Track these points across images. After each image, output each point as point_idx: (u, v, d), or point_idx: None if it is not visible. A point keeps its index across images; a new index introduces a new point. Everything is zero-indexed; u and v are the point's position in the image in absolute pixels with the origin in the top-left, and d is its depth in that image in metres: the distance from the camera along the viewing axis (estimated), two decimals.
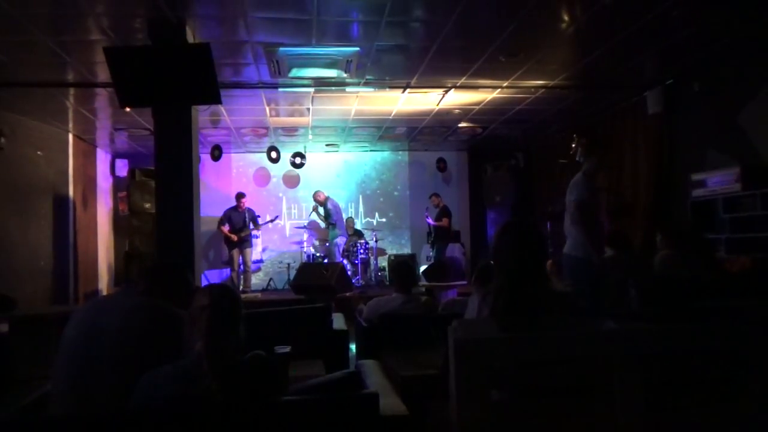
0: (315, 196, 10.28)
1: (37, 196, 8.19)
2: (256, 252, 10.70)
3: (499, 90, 7.22)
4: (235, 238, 9.50)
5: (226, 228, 9.61)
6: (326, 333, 4.26)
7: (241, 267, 9.69)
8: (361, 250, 10.32)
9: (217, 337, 1.90)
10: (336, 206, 10.30)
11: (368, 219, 11.54)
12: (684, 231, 5.00)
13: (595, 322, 2.16)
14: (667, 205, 7.13)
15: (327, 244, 10.64)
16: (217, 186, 10.88)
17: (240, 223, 9.63)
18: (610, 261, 4.89)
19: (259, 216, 10.05)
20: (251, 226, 9.78)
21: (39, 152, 8.19)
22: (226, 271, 10.26)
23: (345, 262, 9.65)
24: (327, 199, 10.26)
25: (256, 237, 10.75)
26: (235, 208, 9.74)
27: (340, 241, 10.13)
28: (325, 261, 9.96)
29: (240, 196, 9.83)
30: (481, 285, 3.63)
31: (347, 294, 8.26)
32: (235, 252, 9.61)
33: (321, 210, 10.30)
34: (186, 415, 1.78)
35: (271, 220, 10.36)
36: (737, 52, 5.86)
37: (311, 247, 10.70)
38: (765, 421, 1.92)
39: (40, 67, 5.92)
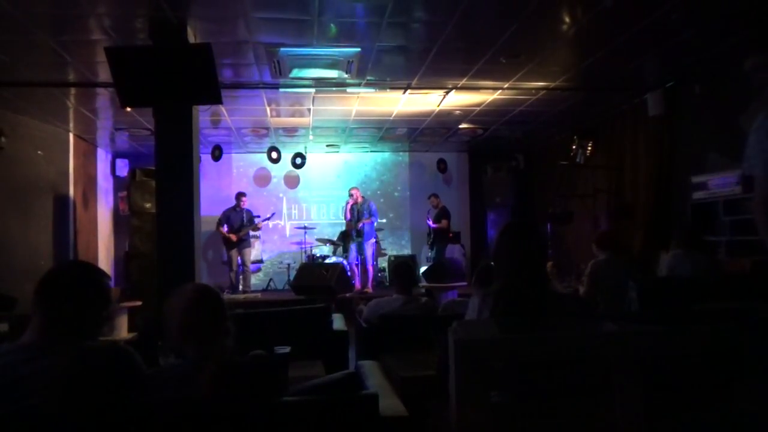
0: (350, 193, 9.83)
1: (37, 195, 8.19)
2: (254, 251, 10.68)
3: (500, 91, 7.22)
4: (234, 238, 9.49)
5: (224, 229, 9.58)
6: (326, 334, 4.26)
7: (240, 267, 9.68)
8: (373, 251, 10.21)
9: (207, 337, 1.91)
10: (372, 209, 9.74)
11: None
12: (695, 232, 4.95)
13: (595, 324, 2.16)
14: (668, 207, 7.13)
15: (339, 245, 10.46)
16: (218, 186, 10.89)
17: (238, 223, 9.61)
18: (604, 264, 4.90)
19: (257, 216, 10.01)
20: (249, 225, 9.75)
21: (39, 152, 8.19)
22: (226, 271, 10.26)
23: (344, 262, 9.60)
24: (363, 199, 9.81)
25: (258, 237, 10.74)
26: (234, 208, 9.71)
27: (369, 248, 9.63)
28: (327, 261, 9.93)
29: (240, 195, 9.80)
30: (480, 286, 3.63)
31: (347, 294, 8.25)
32: (234, 252, 9.59)
33: (355, 208, 9.75)
34: (185, 417, 1.78)
35: (268, 218, 10.27)
36: (738, 54, 5.85)
37: (314, 248, 10.64)
38: (764, 422, 1.92)
39: (41, 66, 5.93)
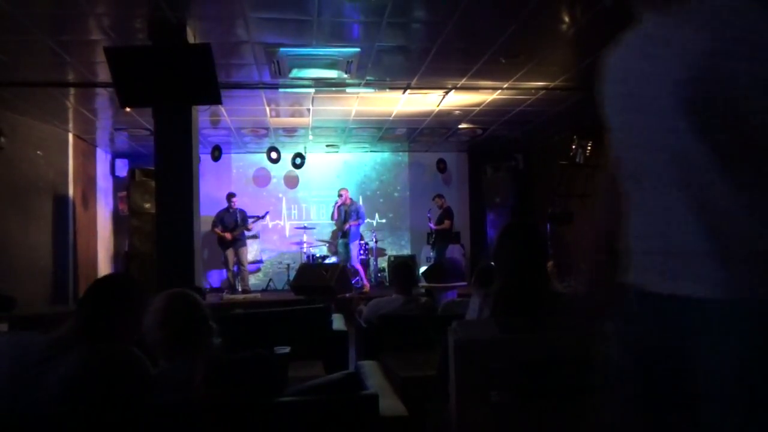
0: (340, 193, 10.06)
1: (37, 195, 8.19)
2: (254, 251, 10.66)
3: (499, 91, 7.22)
4: (229, 236, 9.49)
5: (219, 230, 9.59)
6: (326, 334, 4.25)
7: (236, 267, 9.67)
8: (361, 251, 10.31)
9: (191, 342, 1.91)
10: (360, 212, 9.95)
11: (369, 220, 11.53)
12: None
13: (595, 324, 2.16)
14: None
15: (332, 244, 10.55)
16: (217, 186, 10.87)
17: (232, 223, 9.60)
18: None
19: (252, 217, 9.99)
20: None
21: (39, 152, 8.19)
22: (225, 272, 10.26)
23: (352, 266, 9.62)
24: (352, 201, 10.02)
25: (257, 237, 10.73)
26: (227, 209, 9.70)
27: (354, 248, 9.85)
28: (326, 261, 9.95)
29: (230, 195, 9.80)
30: (480, 286, 3.62)
31: (347, 295, 8.26)
32: (230, 252, 9.57)
33: (343, 209, 9.99)
34: (184, 418, 1.77)
35: (261, 217, 10.25)
36: None
37: (313, 249, 10.67)
38: (763, 423, 1.92)
39: (40, 66, 5.93)
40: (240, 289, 9.49)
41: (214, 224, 9.67)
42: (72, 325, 1.87)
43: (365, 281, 9.64)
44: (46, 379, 1.71)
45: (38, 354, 1.77)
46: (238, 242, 9.62)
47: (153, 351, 1.95)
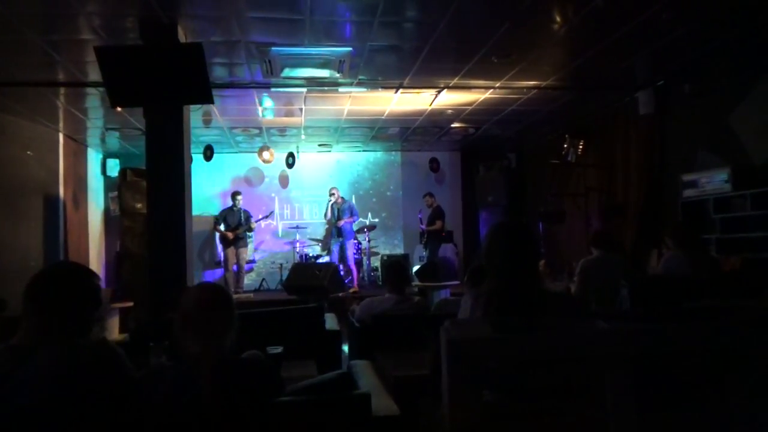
0: (331, 191, 10.00)
1: (27, 196, 8.13)
2: (248, 252, 10.66)
3: (491, 90, 7.24)
4: (231, 235, 9.48)
5: (221, 228, 9.58)
6: (319, 333, 4.25)
7: (235, 267, 9.65)
8: (355, 251, 10.30)
9: (213, 338, 1.89)
10: (354, 209, 9.95)
11: (361, 219, 11.53)
12: (689, 232, 4.93)
13: (587, 323, 2.17)
14: (659, 206, 7.17)
15: (326, 242, 10.56)
16: (210, 186, 10.84)
17: (236, 222, 9.60)
18: (595, 262, 4.91)
19: (251, 217, 9.99)
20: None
21: (29, 152, 8.13)
22: (219, 272, 10.23)
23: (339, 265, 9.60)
24: (343, 200, 10.02)
25: (251, 237, 10.72)
26: (231, 208, 9.71)
27: (350, 248, 9.77)
28: (319, 260, 9.95)
29: (236, 194, 9.78)
30: (473, 285, 3.63)
31: (340, 294, 8.25)
32: (230, 251, 9.57)
33: (336, 207, 9.92)
34: (180, 417, 1.77)
35: (265, 217, 10.27)
36: (728, 53, 5.89)
37: (306, 248, 10.66)
38: (755, 420, 1.93)
39: (30, 66, 5.88)
40: (233, 290, 9.46)
41: (217, 221, 9.67)
42: (28, 328, 1.76)
43: (356, 283, 9.63)
44: (18, 386, 1.63)
45: (2, 363, 1.69)
46: (240, 242, 9.60)
47: (175, 327, 1.91)
